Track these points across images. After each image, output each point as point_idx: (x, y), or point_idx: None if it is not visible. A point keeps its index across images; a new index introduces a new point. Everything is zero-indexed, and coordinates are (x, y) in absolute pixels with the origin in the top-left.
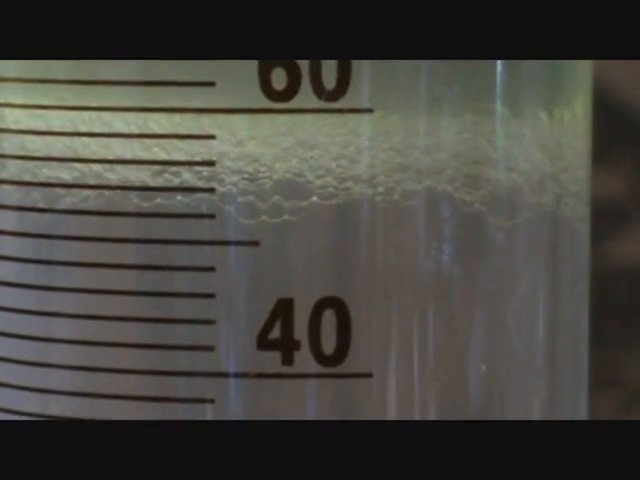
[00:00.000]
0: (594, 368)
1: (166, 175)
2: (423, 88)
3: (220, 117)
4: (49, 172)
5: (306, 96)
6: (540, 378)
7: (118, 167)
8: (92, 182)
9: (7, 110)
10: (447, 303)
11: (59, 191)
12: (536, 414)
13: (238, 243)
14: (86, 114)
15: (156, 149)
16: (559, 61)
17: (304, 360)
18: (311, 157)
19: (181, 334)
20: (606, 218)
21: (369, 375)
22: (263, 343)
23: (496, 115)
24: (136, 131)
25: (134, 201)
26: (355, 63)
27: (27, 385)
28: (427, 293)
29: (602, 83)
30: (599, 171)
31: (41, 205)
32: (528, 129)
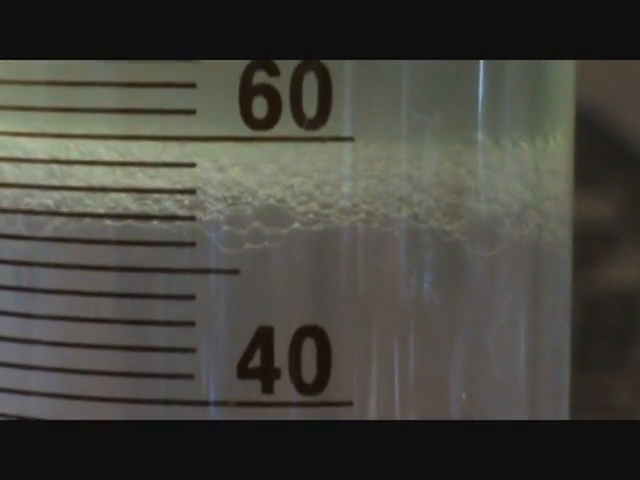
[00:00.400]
0: (582, 393)
1: (147, 202)
2: (404, 116)
3: (201, 145)
4: (29, 200)
5: (287, 124)
6: (521, 405)
7: (98, 194)
8: (72, 209)
9: None
10: (428, 331)
11: (39, 218)
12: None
13: (218, 271)
14: (65, 142)
15: (137, 176)
16: (541, 88)
17: (284, 389)
18: (292, 185)
19: (160, 362)
20: (595, 242)
21: (350, 404)
22: (243, 372)
23: (477, 144)
24: (117, 158)
25: (114, 228)
26: (336, 91)
27: (4, 412)
28: (408, 321)
29: (589, 106)
30: (587, 195)
31: (20, 232)
32: (509, 158)
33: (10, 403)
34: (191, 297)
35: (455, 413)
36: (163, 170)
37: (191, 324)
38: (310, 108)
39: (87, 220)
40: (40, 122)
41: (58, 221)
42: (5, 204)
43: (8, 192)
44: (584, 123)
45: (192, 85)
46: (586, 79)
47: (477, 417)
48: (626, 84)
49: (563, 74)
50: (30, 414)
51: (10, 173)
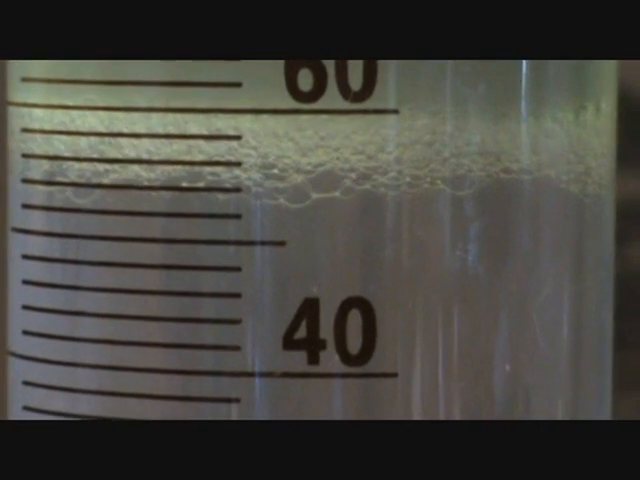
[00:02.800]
0: (617, 370)
1: (193, 175)
2: (448, 88)
3: (247, 118)
4: (77, 172)
5: (332, 97)
6: (564, 378)
7: (145, 167)
8: (120, 182)
9: (36, 110)
10: (472, 302)
11: (87, 191)
12: (560, 414)
13: (264, 243)
14: (113, 114)
15: (183, 149)
16: (584, 62)
17: (330, 360)
18: (337, 157)
19: (207, 334)
20: (629, 220)
21: (394, 375)
22: (289, 343)
23: (521, 115)
24: (162, 131)
25: (160, 200)
26: (381, 64)
27: (55, 384)
28: (452, 292)
29: (627, 84)
30: (622, 173)
31: (69, 205)
32: (552, 129)
33: (61, 376)
34: (237, 269)
35: (498, 385)
36: (209, 142)
37: (237, 296)
38: (355, 81)
39: (134, 192)
40: (90, 95)
41: (105, 193)
42: (56, 176)
43: (58, 164)
44: (620, 101)
45: (238, 58)
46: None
47: (520, 389)
48: None
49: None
50: (79, 385)
51: (60, 145)
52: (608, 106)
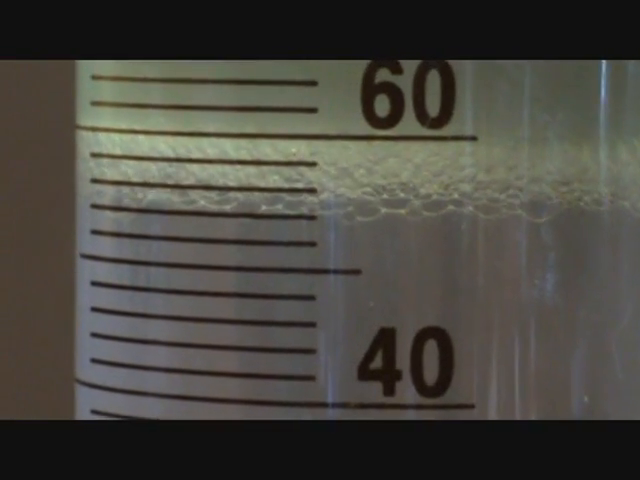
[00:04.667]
0: None
1: (267, 201)
2: (526, 115)
3: (322, 143)
4: (147, 198)
5: (409, 123)
6: None
7: (218, 193)
8: (190, 209)
9: (105, 134)
10: (549, 332)
11: (157, 217)
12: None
13: (339, 271)
14: (182, 139)
15: (258, 175)
16: None
17: (406, 391)
18: (413, 184)
19: (281, 363)
20: None
21: (471, 406)
22: (364, 373)
23: (599, 143)
24: (236, 157)
25: (235, 227)
26: (459, 90)
27: (123, 413)
28: (529, 322)
29: None
30: None
31: (138, 231)
32: (630, 157)
33: (127, 404)
34: (312, 297)
35: (577, 417)
36: (284, 169)
37: (312, 325)
38: (433, 107)
39: (207, 219)
40: (158, 120)
41: (175, 220)
42: (125, 202)
43: (127, 189)
44: None
45: (314, 83)
46: None
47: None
48: None
49: None
50: (146, 415)
51: (129, 170)
52: None
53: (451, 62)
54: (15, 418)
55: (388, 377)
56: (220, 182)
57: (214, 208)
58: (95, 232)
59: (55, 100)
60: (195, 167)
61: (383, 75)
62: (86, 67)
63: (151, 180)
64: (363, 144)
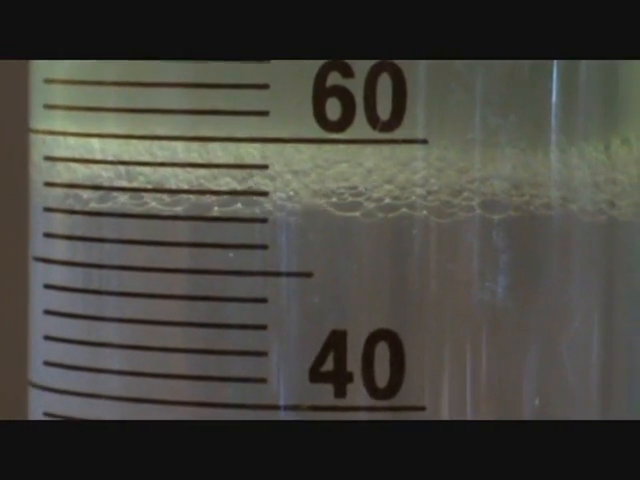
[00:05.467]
0: None
1: (219, 204)
2: (478, 118)
3: (273, 147)
4: (99, 201)
5: (361, 126)
6: (595, 412)
7: (170, 197)
8: (142, 212)
9: (58, 138)
10: (500, 335)
11: (109, 220)
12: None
13: (291, 274)
14: (134, 143)
15: (209, 178)
16: (616, 91)
17: (357, 393)
18: (365, 187)
19: (233, 366)
20: None
21: (422, 408)
22: (316, 375)
23: (551, 146)
24: (187, 160)
25: (185, 231)
26: (410, 93)
27: (76, 416)
28: (481, 324)
29: None
30: None
31: (91, 234)
32: (583, 160)
33: (79, 407)
34: (263, 300)
35: (527, 419)
36: (236, 171)
37: (263, 327)
38: (384, 110)
39: (159, 222)
40: (111, 123)
41: (128, 223)
42: (78, 205)
43: (80, 192)
44: None
45: (266, 86)
46: None
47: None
48: None
49: (638, 77)
50: (99, 417)
51: (81, 173)
52: (637, 138)
53: (402, 66)
54: None
55: (339, 379)
56: (172, 185)
57: (166, 211)
58: (48, 235)
59: (8, 103)
60: (147, 170)
61: (334, 78)
62: (39, 70)
63: (103, 183)
64: (315, 147)
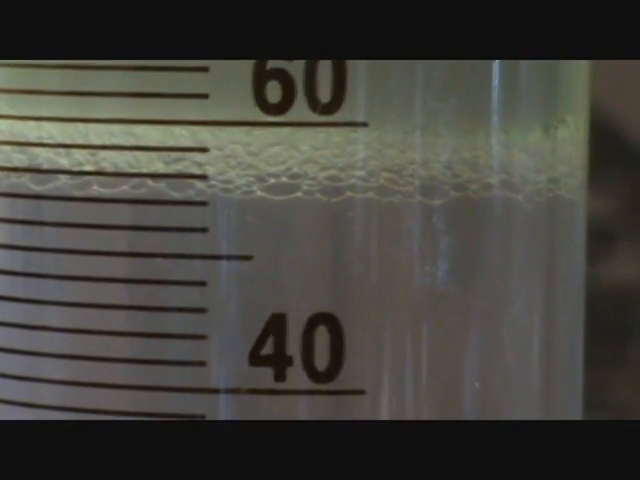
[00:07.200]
0: (587, 389)
1: (158, 187)
2: (418, 102)
3: (214, 130)
4: (38, 184)
5: (301, 109)
6: (534, 395)
7: (109, 179)
8: (82, 195)
9: None
10: (441, 319)
11: (49, 203)
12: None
13: (231, 257)
14: (75, 125)
15: (149, 161)
16: (556, 74)
17: (297, 377)
18: (304, 170)
19: (172, 349)
20: (594, 240)
21: (362, 392)
22: (255, 359)
23: (491, 130)
24: (127, 143)
25: (125, 214)
26: (350, 76)
27: (16, 400)
28: (421, 308)
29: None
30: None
31: (31, 217)
32: (523, 143)
33: (23, 391)
34: (203, 283)
35: (468, 403)
36: (176, 155)
37: (203, 311)
38: (324, 93)
39: (99, 205)
40: (49, 106)
41: (68, 206)
42: (13, 189)
43: (19, 176)
44: (592, 119)
45: (205, 69)
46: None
47: (490, 407)
48: (627, 83)
49: (578, 62)
50: (41, 401)
51: (21, 157)
52: (579, 123)
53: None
54: None
55: (279, 363)
56: (112, 168)
57: (106, 194)
58: None
59: None
60: (86, 153)
61: (274, 62)
62: None
63: (41, 166)
64: (255, 130)
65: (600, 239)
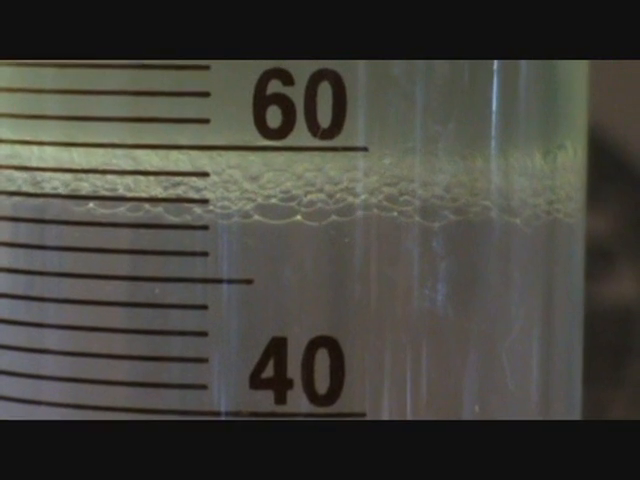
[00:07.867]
0: (586, 410)
1: (159, 212)
2: (418, 126)
3: (214, 154)
4: (40, 208)
5: (301, 134)
6: (534, 417)
7: (110, 203)
8: (86, 219)
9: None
10: (441, 342)
11: (50, 227)
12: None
13: (231, 281)
14: (76, 150)
15: (150, 186)
16: (555, 100)
17: (297, 400)
18: (305, 194)
19: (173, 372)
20: (593, 259)
21: (362, 415)
22: (256, 382)
23: (490, 155)
24: (129, 167)
25: (126, 238)
26: (350, 101)
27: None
28: (421, 332)
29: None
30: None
31: (33, 242)
32: (522, 168)
33: (22, 413)
34: (204, 307)
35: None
36: (176, 179)
37: (204, 334)
38: (324, 118)
39: (100, 229)
40: (51, 130)
41: (71, 230)
42: (13, 213)
43: (21, 200)
44: (590, 143)
45: (206, 94)
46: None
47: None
48: (626, 101)
49: (577, 86)
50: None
51: (22, 180)
52: (578, 148)
53: (342, 72)
54: None
55: (279, 386)
56: (113, 192)
57: (107, 218)
58: None
59: None
60: (89, 177)
61: (275, 86)
62: None
63: (43, 190)
64: (255, 155)
65: (599, 258)
